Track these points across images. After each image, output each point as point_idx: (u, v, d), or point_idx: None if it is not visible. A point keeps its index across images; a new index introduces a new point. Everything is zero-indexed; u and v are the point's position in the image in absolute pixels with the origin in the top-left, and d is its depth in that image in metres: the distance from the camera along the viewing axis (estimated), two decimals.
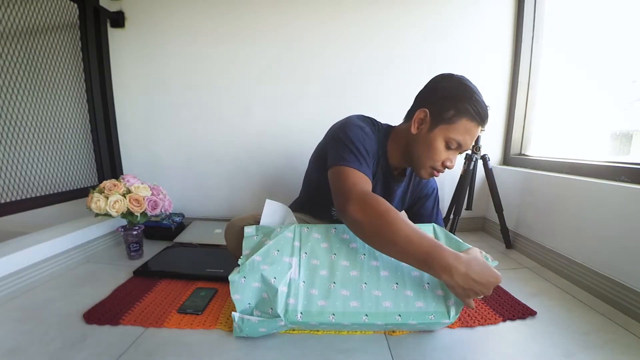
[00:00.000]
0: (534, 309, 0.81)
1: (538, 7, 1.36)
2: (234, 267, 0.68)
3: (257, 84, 1.44)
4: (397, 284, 0.67)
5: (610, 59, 1.16)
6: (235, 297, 0.66)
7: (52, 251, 1.00)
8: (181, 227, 1.43)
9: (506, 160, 1.51)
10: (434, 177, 0.81)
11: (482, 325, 0.76)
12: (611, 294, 0.85)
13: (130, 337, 0.69)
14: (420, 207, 0.98)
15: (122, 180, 1.10)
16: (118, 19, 1.39)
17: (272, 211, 0.78)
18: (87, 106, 1.32)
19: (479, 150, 1.24)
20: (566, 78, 1.35)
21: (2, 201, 1.00)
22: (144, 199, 1.08)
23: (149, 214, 1.10)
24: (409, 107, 0.82)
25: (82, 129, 1.33)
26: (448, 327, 0.73)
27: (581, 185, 0.98)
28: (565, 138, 1.38)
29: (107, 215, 1.03)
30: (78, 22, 1.26)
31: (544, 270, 1.09)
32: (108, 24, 1.39)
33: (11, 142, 1.10)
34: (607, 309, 0.83)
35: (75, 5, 1.25)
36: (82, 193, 1.24)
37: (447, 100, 0.72)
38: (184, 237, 1.34)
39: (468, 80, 0.74)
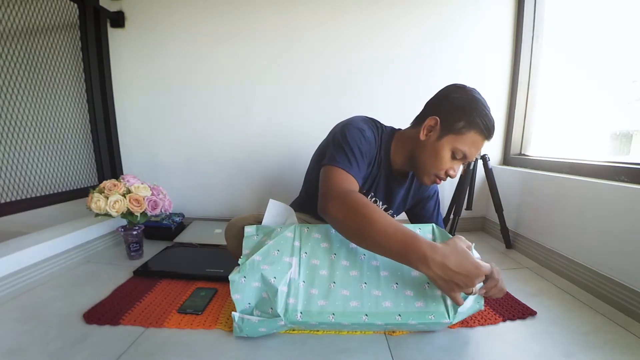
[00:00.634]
0: (534, 309, 0.81)
1: (538, 7, 1.36)
2: (234, 267, 0.68)
3: (257, 84, 1.44)
4: (397, 283, 0.67)
5: (610, 59, 1.16)
6: (235, 296, 0.66)
7: (52, 251, 1.00)
8: (181, 227, 1.43)
9: (506, 160, 1.51)
10: None
11: (482, 325, 0.76)
12: (611, 294, 0.85)
13: (130, 337, 0.69)
14: (422, 208, 0.99)
15: (122, 180, 1.10)
16: (118, 19, 1.39)
17: (276, 212, 0.78)
18: (87, 106, 1.32)
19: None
20: (566, 78, 1.35)
21: (2, 201, 1.00)
22: (144, 199, 1.08)
23: (149, 214, 1.10)
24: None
25: (82, 129, 1.33)
26: (448, 327, 0.73)
27: (581, 185, 0.98)
28: (565, 138, 1.38)
29: (107, 215, 1.03)
30: (78, 22, 1.26)
31: (544, 270, 1.09)
32: (108, 24, 1.39)
33: (11, 142, 1.10)
34: (607, 309, 0.83)
35: (75, 5, 1.25)
36: (82, 193, 1.24)
37: (459, 111, 0.73)
38: (184, 237, 1.33)
39: (480, 93, 0.75)
